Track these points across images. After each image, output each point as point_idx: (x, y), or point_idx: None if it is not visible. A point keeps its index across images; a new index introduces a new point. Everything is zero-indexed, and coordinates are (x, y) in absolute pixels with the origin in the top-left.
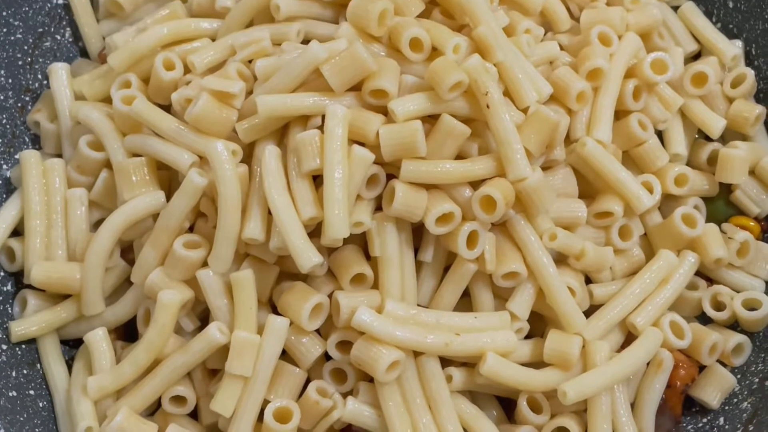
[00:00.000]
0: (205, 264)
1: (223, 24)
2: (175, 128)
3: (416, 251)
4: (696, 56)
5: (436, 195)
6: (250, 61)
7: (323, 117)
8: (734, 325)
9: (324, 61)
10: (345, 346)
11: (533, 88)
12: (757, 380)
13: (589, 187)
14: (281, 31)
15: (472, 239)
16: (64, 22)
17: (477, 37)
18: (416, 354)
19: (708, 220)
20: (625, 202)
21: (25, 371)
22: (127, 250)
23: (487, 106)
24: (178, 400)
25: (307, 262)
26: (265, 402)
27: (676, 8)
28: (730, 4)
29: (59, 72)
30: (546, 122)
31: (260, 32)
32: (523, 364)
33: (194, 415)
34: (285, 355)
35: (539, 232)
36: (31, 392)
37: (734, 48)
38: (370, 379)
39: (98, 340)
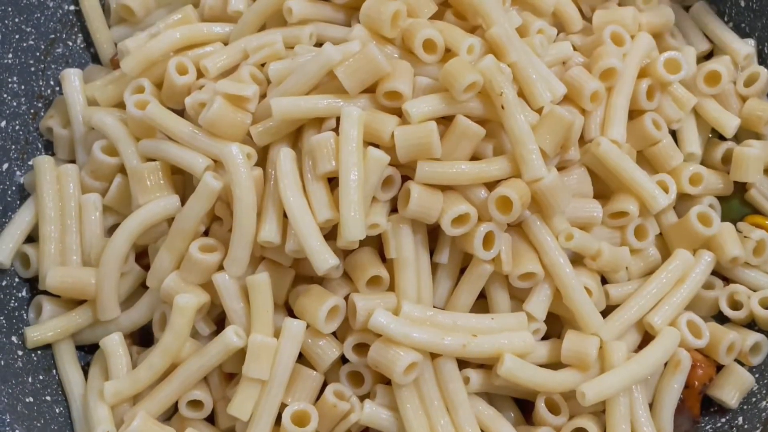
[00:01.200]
0: (220, 267)
1: (235, 28)
2: (189, 132)
3: (432, 253)
4: (708, 56)
5: (451, 196)
6: (263, 65)
7: (338, 119)
8: (751, 324)
9: (338, 63)
10: (362, 348)
11: (547, 89)
12: None
13: (604, 187)
14: (294, 34)
15: (488, 240)
16: (76, 29)
17: (490, 37)
18: (433, 356)
19: (723, 219)
20: (641, 201)
21: (41, 377)
22: (142, 255)
23: (502, 107)
24: (195, 404)
25: (323, 264)
26: (283, 405)
27: (687, 8)
28: (742, 4)
29: (72, 78)
30: (560, 122)
31: (273, 35)
32: (541, 365)
33: (211, 419)
34: (302, 358)
35: (555, 232)
36: (48, 398)
37: (747, 47)
38: (388, 382)
39: (114, 345)
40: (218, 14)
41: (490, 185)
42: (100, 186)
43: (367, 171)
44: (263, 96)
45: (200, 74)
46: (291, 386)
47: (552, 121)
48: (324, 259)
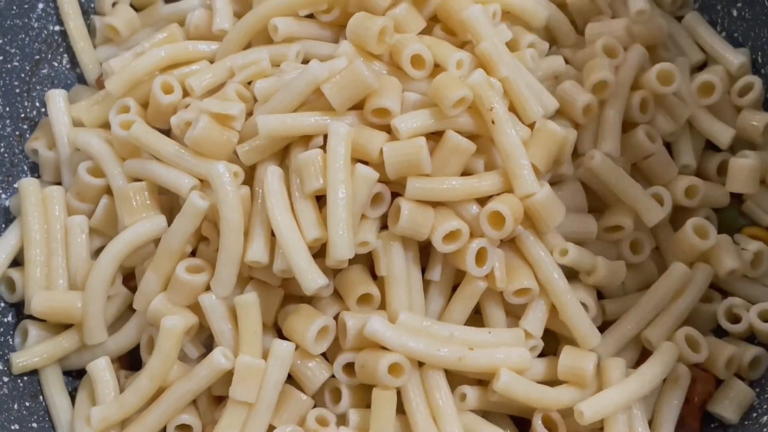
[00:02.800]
0: (208, 288)
1: (220, 46)
2: (174, 152)
3: (423, 270)
4: (701, 66)
5: (442, 212)
6: (249, 83)
7: (325, 137)
8: (750, 337)
9: (324, 80)
10: (352, 368)
11: (539, 104)
12: None
13: (598, 201)
14: (280, 52)
15: (480, 256)
16: (61, 49)
17: (480, 53)
18: (421, 367)
19: (720, 230)
20: (636, 215)
21: (27, 404)
22: (129, 278)
23: (492, 122)
24: (184, 428)
25: (311, 284)
26: (271, 428)
27: (679, 18)
28: (735, 13)
29: (57, 99)
30: (553, 137)
31: (259, 53)
32: (538, 383)
33: None
34: (290, 379)
35: (549, 247)
36: (34, 425)
37: (740, 56)
38: (368, 405)
39: (101, 370)
40: (203, 33)
41: (482, 201)
42: (87, 208)
43: (356, 188)
44: (249, 114)
45: (186, 93)
46: (280, 408)
47: (544, 136)
48: (312, 279)
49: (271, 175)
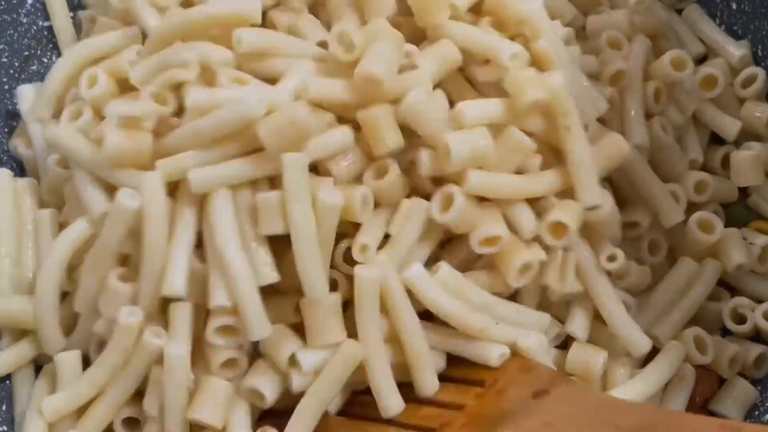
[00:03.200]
0: None
1: (146, 44)
2: (92, 158)
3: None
4: (701, 60)
5: (488, 212)
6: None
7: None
8: (755, 335)
9: (260, 118)
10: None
11: (593, 105)
12: None
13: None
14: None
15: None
16: (51, 45)
17: (538, 50)
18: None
19: (728, 225)
20: (654, 214)
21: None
22: None
23: (567, 128)
24: (132, 421)
25: (258, 335)
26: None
27: (679, 12)
28: (734, 6)
29: (27, 95)
30: (619, 150)
31: (189, 53)
32: None
33: None
34: None
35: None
36: None
37: (741, 48)
38: None
39: (67, 362)
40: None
41: (531, 201)
42: (60, 202)
43: (320, 219)
44: (175, 115)
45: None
46: (196, 401)
47: (609, 147)
48: (260, 329)
49: (220, 207)
